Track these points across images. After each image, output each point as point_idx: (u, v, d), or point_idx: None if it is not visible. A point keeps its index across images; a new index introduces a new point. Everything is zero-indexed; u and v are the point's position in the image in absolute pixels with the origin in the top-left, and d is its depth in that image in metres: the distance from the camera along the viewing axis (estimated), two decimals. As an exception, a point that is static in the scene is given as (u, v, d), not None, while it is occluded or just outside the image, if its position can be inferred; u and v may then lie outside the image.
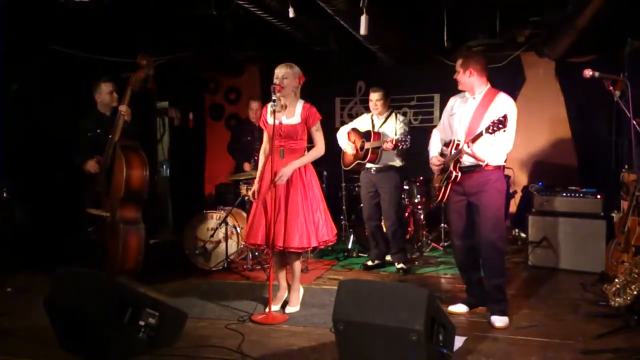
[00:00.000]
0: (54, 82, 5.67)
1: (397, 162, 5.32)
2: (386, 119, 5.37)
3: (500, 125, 3.55)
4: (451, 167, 3.90)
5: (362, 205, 5.64)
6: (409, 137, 5.10)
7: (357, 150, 5.39)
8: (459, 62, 3.93)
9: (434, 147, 4.17)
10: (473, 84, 3.90)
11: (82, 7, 4.88)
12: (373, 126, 5.39)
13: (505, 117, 3.55)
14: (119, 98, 4.97)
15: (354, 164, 5.47)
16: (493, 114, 3.74)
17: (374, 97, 5.33)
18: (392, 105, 5.55)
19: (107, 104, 5.07)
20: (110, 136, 4.83)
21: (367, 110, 5.55)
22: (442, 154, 4.09)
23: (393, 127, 5.31)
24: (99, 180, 4.91)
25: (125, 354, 3.16)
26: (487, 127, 3.60)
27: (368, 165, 5.33)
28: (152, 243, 6.76)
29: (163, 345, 3.34)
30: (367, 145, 5.29)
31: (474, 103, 3.92)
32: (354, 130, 5.49)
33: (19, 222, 5.43)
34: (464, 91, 4.00)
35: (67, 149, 5.16)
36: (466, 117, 3.92)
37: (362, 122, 5.52)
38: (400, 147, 5.01)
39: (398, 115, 5.46)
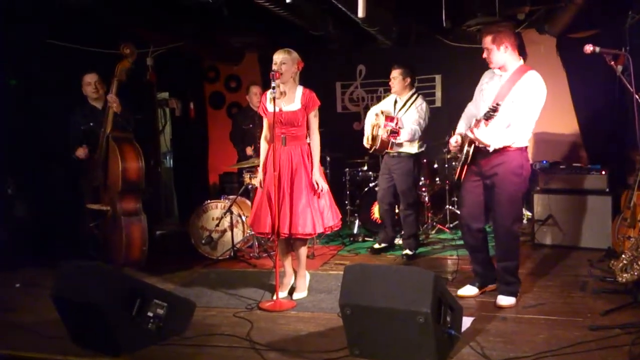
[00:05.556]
0: (53, 77, 5.64)
1: (412, 149, 5.19)
2: (406, 102, 5.18)
3: (492, 113, 3.47)
4: (466, 147, 3.81)
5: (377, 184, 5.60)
6: (413, 128, 4.99)
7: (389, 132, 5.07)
8: (488, 38, 3.67)
9: (461, 125, 4.01)
10: (507, 60, 3.68)
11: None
12: (394, 108, 5.24)
13: (497, 104, 3.47)
14: (107, 90, 4.92)
15: (387, 145, 5.13)
16: (517, 92, 3.60)
17: (392, 74, 5.19)
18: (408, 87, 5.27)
19: (93, 97, 5.03)
20: (103, 129, 4.81)
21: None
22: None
23: (411, 115, 5.10)
24: (95, 174, 4.90)
25: (134, 345, 3.18)
26: (485, 113, 3.54)
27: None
28: (158, 234, 6.81)
29: (172, 335, 3.36)
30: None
31: (501, 81, 3.74)
32: (383, 111, 5.21)
33: (21, 218, 5.43)
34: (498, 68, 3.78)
35: (65, 144, 5.14)
36: (490, 95, 3.75)
37: (387, 103, 5.37)
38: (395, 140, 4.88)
39: (418, 99, 5.20)
